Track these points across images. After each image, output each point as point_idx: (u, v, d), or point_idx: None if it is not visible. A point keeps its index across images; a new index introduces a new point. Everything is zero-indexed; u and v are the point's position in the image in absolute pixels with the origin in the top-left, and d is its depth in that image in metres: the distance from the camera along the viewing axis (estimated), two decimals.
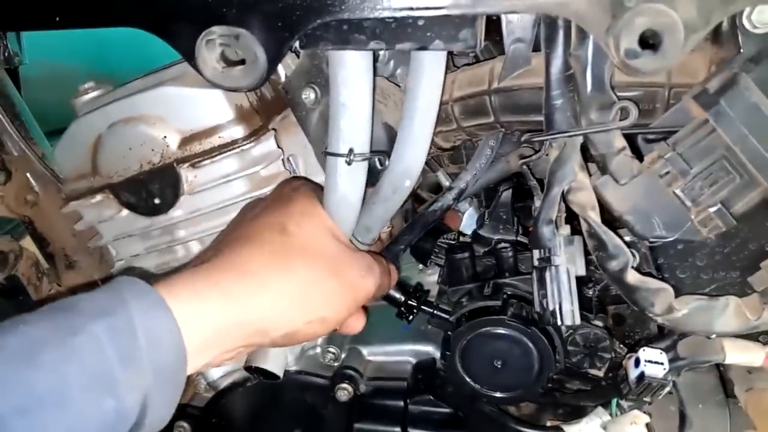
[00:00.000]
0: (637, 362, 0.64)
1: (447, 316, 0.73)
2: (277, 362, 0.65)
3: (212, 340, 0.46)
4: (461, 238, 0.81)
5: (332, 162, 0.59)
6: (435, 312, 0.73)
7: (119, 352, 0.39)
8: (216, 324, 0.46)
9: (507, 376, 0.69)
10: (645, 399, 0.65)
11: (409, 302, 0.73)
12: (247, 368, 0.63)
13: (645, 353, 0.64)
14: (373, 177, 0.62)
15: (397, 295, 0.73)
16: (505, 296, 0.69)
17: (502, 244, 0.72)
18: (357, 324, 0.62)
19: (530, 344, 0.65)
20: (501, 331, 0.66)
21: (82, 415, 0.38)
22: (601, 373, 0.71)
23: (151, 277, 0.45)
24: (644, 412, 0.68)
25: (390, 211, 0.64)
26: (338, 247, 0.57)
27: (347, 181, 0.59)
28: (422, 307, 0.73)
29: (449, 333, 0.71)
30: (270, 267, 0.51)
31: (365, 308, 0.63)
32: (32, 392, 0.36)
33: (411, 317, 0.73)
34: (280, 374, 0.65)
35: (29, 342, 0.38)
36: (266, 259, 0.51)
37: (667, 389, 0.64)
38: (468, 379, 0.70)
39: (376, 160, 0.61)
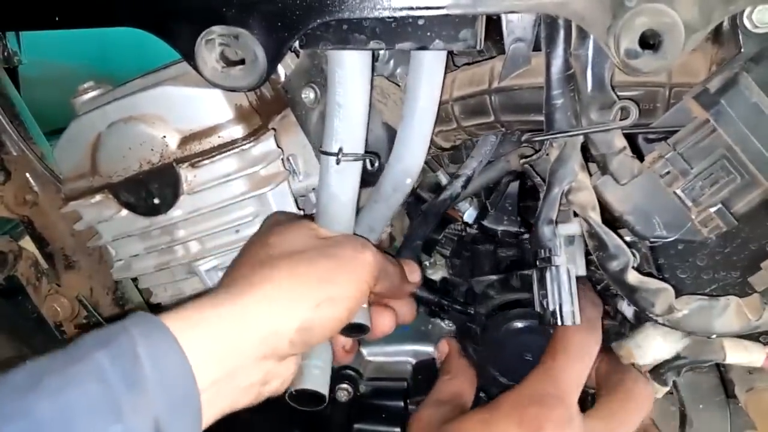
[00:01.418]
0: None
1: (470, 311, 0.72)
2: (313, 379, 0.60)
3: (220, 353, 0.45)
4: (467, 229, 0.80)
5: (324, 160, 0.59)
6: (467, 310, 0.72)
7: (122, 376, 0.39)
8: (217, 335, 0.45)
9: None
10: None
11: (442, 300, 0.72)
12: (290, 399, 0.60)
13: None
14: (370, 178, 0.63)
15: (426, 295, 0.72)
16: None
17: (526, 236, 0.71)
18: (384, 322, 0.61)
19: None
20: (535, 324, 0.65)
21: None
22: None
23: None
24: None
25: (391, 209, 0.65)
26: (324, 240, 0.56)
27: (338, 180, 0.59)
28: (455, 305, 0.72)
29: (468, 324, 0.70)
30: (255, 271, 0.50)
31: (394, 311, 0.63)
32: (35, 419, 0.36)
33: (444, 316, 0.73)
34: (324, 391, 0.60)
35: (32, 373, 0.38)
36: (252, 268, 0.51)
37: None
38: (496, 373, 0.69)
39: (368, 161, 0.61)
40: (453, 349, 0.73)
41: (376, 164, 0.62)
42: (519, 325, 0.66)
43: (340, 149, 0.58)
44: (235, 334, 0.46)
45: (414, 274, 0.65)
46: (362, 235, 0.64)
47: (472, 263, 0.73)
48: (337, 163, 0.58)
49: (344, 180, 0.59)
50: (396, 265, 0.61)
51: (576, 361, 0.60)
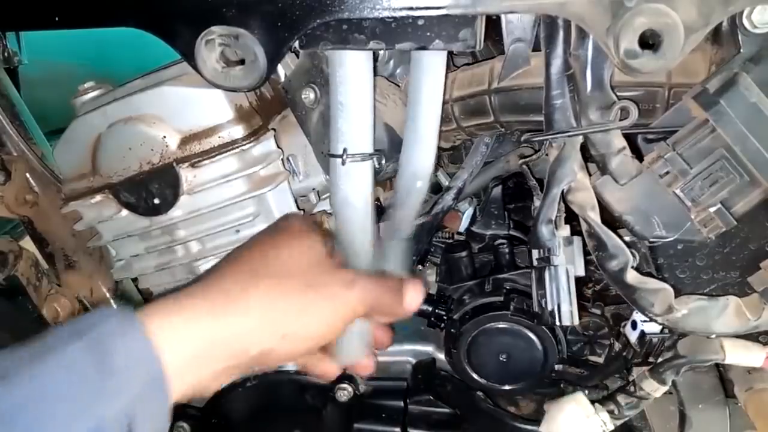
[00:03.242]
0: (634, 325, 0.65)
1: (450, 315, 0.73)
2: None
3: (193, 355, 0.46)
4: (456, 236, 0.81)
5: (332, 163, 0.59)
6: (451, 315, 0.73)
7: (94, 367, 0.40)
8: (192, 339, 0.46)
9: (512, 368, 0.69)
10: (651, 360, 0.66)
11: (438, 311, 0.73)
12: None
13: (638, 314, 0.64)
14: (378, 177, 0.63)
15: (424, 307, 0.73)
16: (505, 291, 0.69)
17: (499, 241, 0.72)
18: (366, 365, 0.60)
19: (534, 336, 0.65)
20: (505, 325, 0.66)
21: (61, 427, 0.38)
22: (601, 360, 0.71)
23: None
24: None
25: (410, 212, 0.65)
26: (319, 265, 0.54)
27: (347, 182, 0.58)
28: (437, 310, 0.74)
29: (452, 330, 0.71)
30: (238, 284, 0.50)
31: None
32: (12, 401, 0.37)
33: (443, 325, 0.74)
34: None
35: (7, 363, 0.40)
36: (237, 278, 0.51)
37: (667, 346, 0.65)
38: (474, 375, 0.70)
39: (374, 159, 0.60)
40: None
41: (383, 162, 0.62)
42: (490, 326, 0.67)
43: (345, 150, 0.57)
44: (207, 343, 0.47)
45: (414, 303, 0.59)
46: (388, 240, 0.64)
47: (450, 271, 0.74)
48: (343, 164, 0.57)
49: (353, 181, 0.58)
50: (394, 295, 0.57)
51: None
